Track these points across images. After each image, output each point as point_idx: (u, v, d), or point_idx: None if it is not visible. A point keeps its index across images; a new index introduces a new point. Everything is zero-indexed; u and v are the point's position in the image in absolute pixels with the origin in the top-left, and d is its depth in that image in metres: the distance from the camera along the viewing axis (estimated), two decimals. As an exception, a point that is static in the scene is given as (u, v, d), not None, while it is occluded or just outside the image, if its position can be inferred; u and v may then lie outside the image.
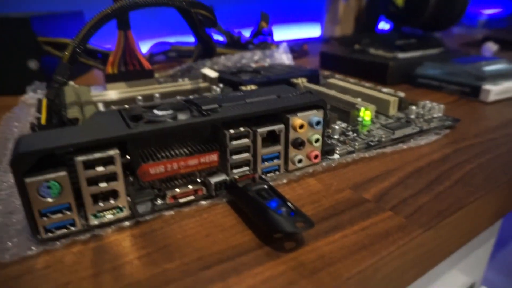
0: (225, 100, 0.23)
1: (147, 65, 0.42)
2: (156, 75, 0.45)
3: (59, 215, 0.17)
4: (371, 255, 0.17)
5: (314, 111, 0.23)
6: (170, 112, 0.20)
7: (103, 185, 0.18)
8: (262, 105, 0.22)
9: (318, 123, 0.23)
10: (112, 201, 0.18)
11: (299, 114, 0.22)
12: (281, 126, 0.22)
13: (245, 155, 0.21)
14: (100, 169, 0.17)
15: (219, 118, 0.20)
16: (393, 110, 0.33)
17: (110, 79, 0.40)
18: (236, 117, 0.20)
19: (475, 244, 0.36)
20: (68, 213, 0.17)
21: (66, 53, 0.25)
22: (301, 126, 0.22)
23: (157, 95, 0.37)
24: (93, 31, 0.26)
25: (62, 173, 0.16)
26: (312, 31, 0.92)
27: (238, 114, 0.20)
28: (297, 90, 0.25)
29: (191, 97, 0.38)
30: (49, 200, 0.17)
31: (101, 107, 0.33)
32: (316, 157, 0.23)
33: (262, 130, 0.21)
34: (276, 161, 0.23)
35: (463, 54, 0.54)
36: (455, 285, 0.36)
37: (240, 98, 0.23)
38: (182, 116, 0.20)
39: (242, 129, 0.21)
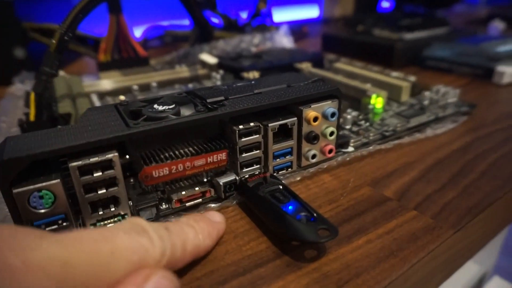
0: (231, 91, 0.21)
1: (141, 51, 0.39)
2: (152, 61, 0.42)
3: (55, 227, 0.15)
4: (401, 263, 0.15)
5: (328, 102, 0.21)
6: (172, 106, 0.18)
7: (102, 191, 0.16)
8: (272, 96, 0.20)
9: (333, 114, 0.21)
10: (112, 208, 0.17)
11: (313, 106, 0.20)
12: (294, 119, 0.20)
13: (256, 152, 0.19)
14: (97, 174, 0.16)
15: (227, 113, 0.18)
16: (405, 96, 0.31)
17: (103, 67, 0.37)
18: (245, 111, 0.18)
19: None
20: (65, 224, 0.16)
21: (53, 41, 0.23)
22: (316, 119, 0.20)
23: (154, 84, 0.34)
24: (81, 16, 0.24)
25: (55, 181, 0.15)
26: (310, 11, 0.89)
27: (248, 107, 0.18)
28: (307, 77, 0.23)
29: (190, 85, 0.36)
30: (42, 211, 0.15)
31: (95, 99, 0.31)
32: (330, 151, 0.22)
33: (274, 124, 0.19)
34: (288, 157, 0.21)
35: (470, 33, 0.52)
36: (467, 276, 0.35)
37: (247, 89, 0.21)
38: (185, 111, 0.19)
39: (252, 124, 0.19)
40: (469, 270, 0.36)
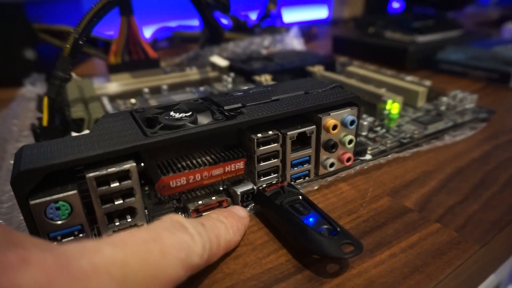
0: (248, 98, 0.20)
1: (152, 53, 0.39)
2: (162, 63, 0.42)
3: (71, 239, 0.15)
4: (427, 280, 0.15)
5: (348, 109, 0.20)
6: (189, 114, 0.18)
7: (118, 202, 0.16)
8: (291, 103, 0.19)
9: (352, 122, 0.20)
10: (129, 219, 0.16)
11: (332, 114, 0.20)
12: (313, 127, 0.19)
13: (274, 161, 0.19)
14: (115, 184, 0.15)
15: (246, 121, 0.18)
16: (421, 102, 0.31)
17: (114, 69, 0.37)
18: (265, 119, 0.18)
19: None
20: (81, 235, 0.15)
21: (67, 46, 0.22)
22: (335, 127, 0.20)
23: (164, 86, 0.34)
24: (96, 19, 0.23)
25: (72, 192, 0.14)
26: (319, 12, 0.88)
27: (267, 115, 0.18)
28: (325, 84, 0.22)
29: (201, 88, 0.35)
30: (58, 222, 0.14)
31: (106, 102, 0.30)
32: (349, 159, 0.21)
33: (292, 132, 0.19)
34: (306, 166, 0.20)
35: (484, 36, 0.51)
36: (483, 286, 0.34)
37: (264, 95, 0.21)
38: (203, 119, 0.18)
39: (270, 132, 0.18)
40: (485, 281, 0.35)
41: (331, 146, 0.20)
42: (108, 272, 0.10)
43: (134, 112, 0.19)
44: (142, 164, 0.17)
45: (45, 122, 0.23)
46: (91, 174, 0.15)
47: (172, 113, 0.18)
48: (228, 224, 0.15)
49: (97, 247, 0.10)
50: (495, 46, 0.44)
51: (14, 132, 0.28)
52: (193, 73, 0.38)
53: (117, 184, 0.15)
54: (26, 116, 0.32)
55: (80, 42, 0.22)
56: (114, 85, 0.34)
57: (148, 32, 0.61)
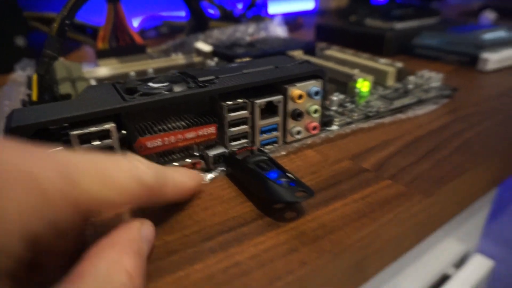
0: (221, 71, 0.22)
1: (138, 40, 0.41)
2: (149, 50, 0.43)
3: (57, 191, 0.17)
4: (371, 222, 0.17)
5: (313, 81, 0.22)
6: (165, 84, 0.20)
7: (100, 159, 0.17)
8: (260, 75, 0.21)
9: (317, 93, 0.22)
10: (110, 176, 0.18)
11: (298, 85, 0.22)
12: (280, 97, 0.21)
13: (243, 127, 0.21)
14: (96, 143, 0.17)
15: (217, 89, 0.19)
16: (391, 81, 0.33)
17: (102, 55, 0.39)
18: (233, 88, 0.20)
19: (470, 212, 0.37)
20: (66, 188, 0.17)
21: (55, 25, 0.24)
22: (300, 97, 0.22)
23: (150, 70, 0.36)
24: (81, 1, 0.25)
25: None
26: (305, 3, 0.90)
27: (236, 84, 0.20)
28: (294, 60, 0.24)
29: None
30: (46, 175, 0.16)
31: (93, 84, 0.32)
32: (314, 128, 0.23)
33: (260, 101, 0.21)
34: (274, 133, 0.22)
35: (461, 23, 0.53)
36: (450, 254, 0.36)
37: (236, 69, 0.23)
38: (178, 88, 0.20)
39: (239, 100, 0.20)
40: (453, 249, 0.38)
41: (297, 115, 0.22)
42: (63, 165, 0.12)
43: (116, 83, 0.21)
44: (124, 131, 0.19)
45: (34, 97, 0.24)
46: (74, 132, 0.16)
47: (150, 83, 0.20)
48: (182, 171, 0.18)
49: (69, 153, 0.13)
50: (469, 31, 0.46)
51: (6, 112, 0.30)
52: (178, 58, 0.39)
53: (99, 142, 0.17)
54: (17, 98, 0.33)
55: (67, 22, 0.24)
56: (102, 70, 0.35)
57: (136, 22, 0.62)
